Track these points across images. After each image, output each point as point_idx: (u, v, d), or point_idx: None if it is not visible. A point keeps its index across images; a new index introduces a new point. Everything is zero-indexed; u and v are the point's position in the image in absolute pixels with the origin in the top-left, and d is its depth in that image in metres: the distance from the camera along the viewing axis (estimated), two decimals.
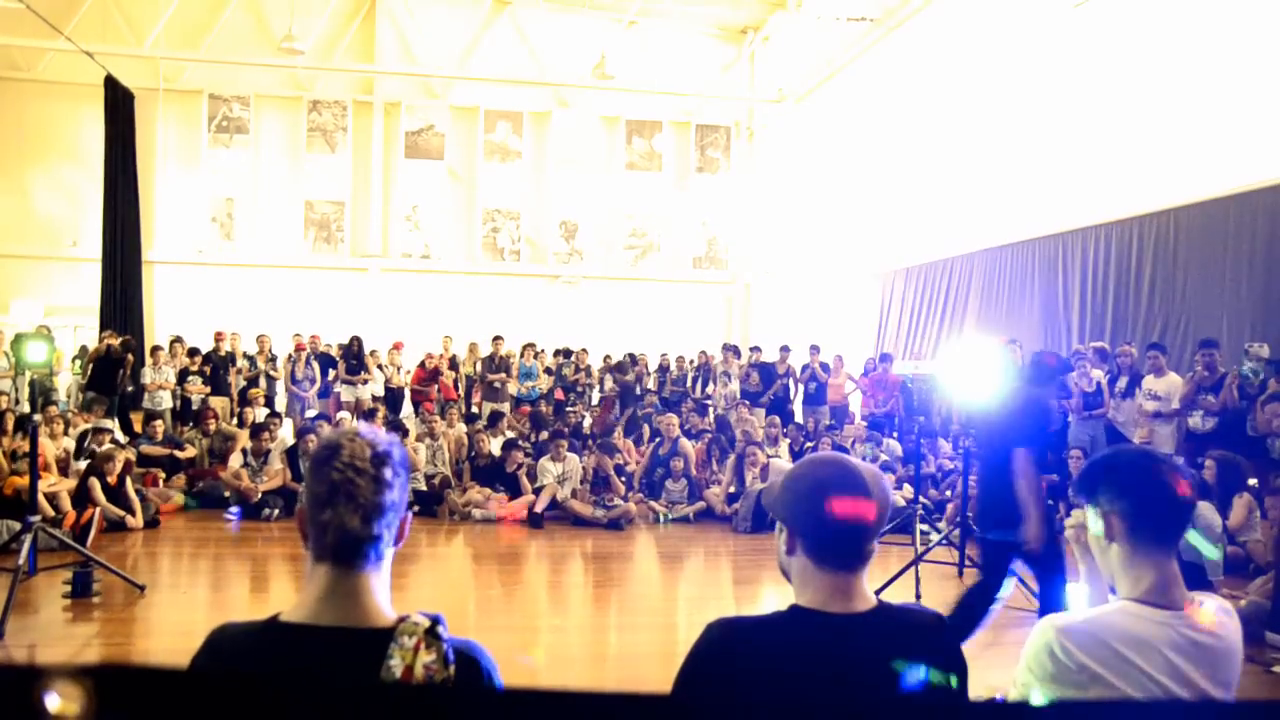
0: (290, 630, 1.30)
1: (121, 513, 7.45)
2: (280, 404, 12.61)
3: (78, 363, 12.64)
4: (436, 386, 13.03)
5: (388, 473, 1.34)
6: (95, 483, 7.42)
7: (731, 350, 13.61)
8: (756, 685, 1.38)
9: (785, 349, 12.97)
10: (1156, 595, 1.58)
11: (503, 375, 13.06)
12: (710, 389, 13.60)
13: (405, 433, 10.19)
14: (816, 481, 1.49)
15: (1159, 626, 1.55)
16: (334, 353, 13.00)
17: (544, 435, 10.44)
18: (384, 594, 1.35)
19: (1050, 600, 4.11)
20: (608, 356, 14.20)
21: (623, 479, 8.96)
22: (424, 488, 8.84)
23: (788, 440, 10.57)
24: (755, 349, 13.55)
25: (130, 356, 11.75)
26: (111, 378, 11.41)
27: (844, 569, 1.46)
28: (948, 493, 8.85)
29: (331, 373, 12.52)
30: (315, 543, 1.33)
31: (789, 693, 1.38)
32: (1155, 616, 1.56)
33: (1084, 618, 1.60)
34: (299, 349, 12.49)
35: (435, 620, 1.28)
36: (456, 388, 13.20)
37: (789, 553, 1.52)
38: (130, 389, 11.94)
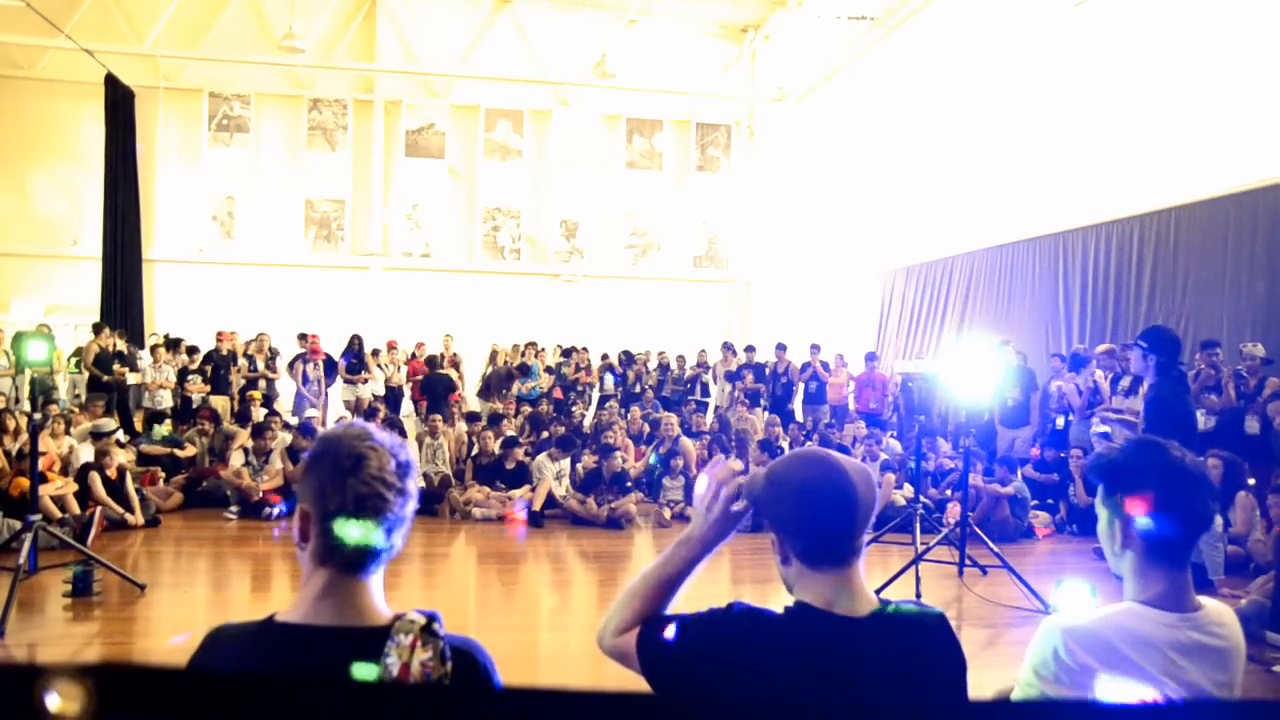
0: (287, 630, 1.30)
1: (122, 511, 7.48)
2: (282, 404, 12.58)
3: (73, 361, 12.61)
4: (443, 385, 13.03)
5: (411, 485, 1.34)
6: (95, 477, 7.46)
7: (731, 349, 13.60)
8: (761, 682, 1.38)
9: (781, 346, 12.92)
10: (1165, 600, 1.58)
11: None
12: (711, 388, 13.58)
13: (405, 432, 10.17)
14: (798, 483, 1.46)
15: (1164, 628, 1.54)
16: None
17: (545, 435, 10.42)
18: (379, 593, 1.35)
19: None
20: (605, 355, 14.20)
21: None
22: (424, 486, 8.84)
23: (788, 439, 10.57)
24: (750, 349, 13.54)
25: (106, 336, 11.70)
26: (106, 372, 11.43)
27: (837, 565, 1.45)
28: (948, 492, 8.85)
29: (314, 377, 12.42)
30: (325, 550, 1.31)
31: (793, 692, 1.37)
32: (1161, 619, 1.56)
33: (1089, 618, 1.59)
34: (315, 353, 12.41)
35: (431, 617, 1.28)
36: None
37: (784, 563, 1.50)
38: (126, 373, 11.95)
